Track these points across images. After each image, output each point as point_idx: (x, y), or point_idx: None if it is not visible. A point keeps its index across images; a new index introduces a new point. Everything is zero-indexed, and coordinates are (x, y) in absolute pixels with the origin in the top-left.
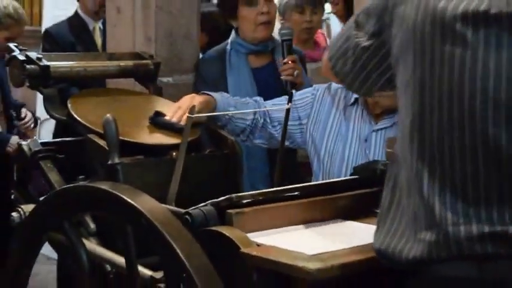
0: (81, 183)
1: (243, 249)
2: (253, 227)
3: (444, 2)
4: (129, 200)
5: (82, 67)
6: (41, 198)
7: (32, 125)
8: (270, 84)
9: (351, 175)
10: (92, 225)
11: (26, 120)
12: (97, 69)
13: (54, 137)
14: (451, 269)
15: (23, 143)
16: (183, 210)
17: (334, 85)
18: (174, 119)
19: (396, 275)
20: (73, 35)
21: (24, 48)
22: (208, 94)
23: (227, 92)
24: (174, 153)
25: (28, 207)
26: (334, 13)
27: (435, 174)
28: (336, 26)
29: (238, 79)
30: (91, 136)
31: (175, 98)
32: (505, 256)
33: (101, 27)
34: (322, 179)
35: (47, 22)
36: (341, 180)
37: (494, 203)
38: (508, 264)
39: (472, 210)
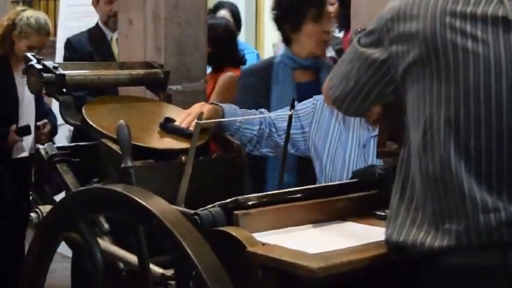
0: (95, 185)
1: (249, 249)
2: (259, 227)
3: (461, 7)
4: (142, 202)
5: (96, 75)
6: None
7: (46, 137)
8: None
9: (350, 179)
10: (106, 225)
11: (44, 131)
12: (110, 77)
13: (72, 142)
14: (476, 258)
15: (40, 147)
16: (192, 211)
17: None
18: (184, 125)
19: (395, 272)
20: (92, 45)
21: (41, 57)
22: (217, 104)
23: (269, 103)
24: (184, 157)
25: (46, 208)
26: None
27: (469, 166)
28: None
29: (282, 92)
30: (104, 141)
31: (183, 105)
32: None
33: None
34: (325, 177)
35: (61, 33)
36: (341, 183)
37: None
38: None
39: (501, 199)
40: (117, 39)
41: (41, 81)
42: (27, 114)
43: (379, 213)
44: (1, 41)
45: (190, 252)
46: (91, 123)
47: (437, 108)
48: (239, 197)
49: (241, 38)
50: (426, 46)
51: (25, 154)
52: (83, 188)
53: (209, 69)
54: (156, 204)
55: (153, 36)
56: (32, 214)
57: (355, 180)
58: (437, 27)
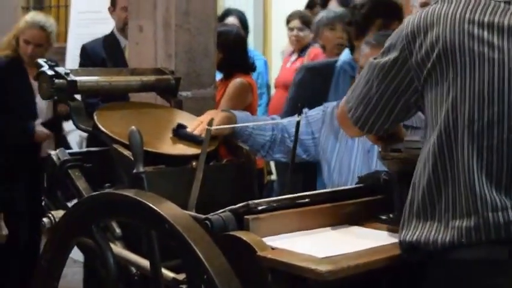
0: (107, 190)
1: (259, 253)
2: (269, 232)
3: (479, 16)
4: (154, 207)
5: (107, 82)
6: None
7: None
8: None
9: (356, 184)
10: (118, 230)
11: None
12: (121, 83)
13: (87, 147)
14: (485, 253)
15: (52, 152)
16: (203, 216)
17: None
18: (196, 132)
19: (403, 276)
20: (105, 52)
21: (53, 63)
22: (229, 111)
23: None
24: (194, 163)
25: (58, 213)
26: None
27: (481, 166)
28: None
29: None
30: (116, 146)
31: (194, 111)
32: None
33: None
34: (332, 183)
35: (71, 40)
36: (347, 189)
37: None
38: None
39: (510, 198)
40: None
41: (52, 88)
42: (43, 113)
43: (383, 217)
44: (13, 44)
45: (201, 257)
46: (102, 129)
47: (453, 110)
48: (249, 202)
49: (249, 44)
50: (445, 51)
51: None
52: (96, 193)
53: (219, 76)
54: (168, 209)
55: (163, 43)
56: (45, 219)
57: (361, 185)
58: (456, 34)
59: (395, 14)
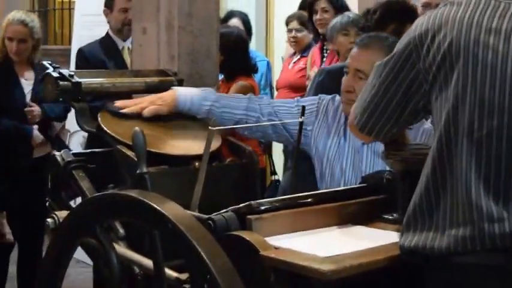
0: (111, 191)
1: (262, 252)
2: (271, 232)
3: (487, 20)
4: (157, 207)
5: (111, 83)
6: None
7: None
8: None
9: (359, 183)
10: (121, 230)
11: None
12: (125, 85)
13: (86, 148)
14: (480, 259)
15: (56, 153)
16: (206, 216)
17: (338, 97)
18: (125, 110)
19: (404, 276)
20: (104, 54)
21: (57, 65)
22: (174, 90)
23: None
24: (197, 163)
25: (62, 214)
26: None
27: (479, 175)
28: None
29: None
30: (119, 147)
31: None
32: None
33: (130, 46)
34: (324, 186)
35: (76, 42)
36: (350, 188)
37: None
38: None
39: (506, 209)
40: (128, 48)
41: (57, 89)
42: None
43: (386, 216)
44: (1, 45)
45: (204, 256)
46: (106, 129)
47: (453, 117)
48: (252, 202)
49: (252, 46)
50: (449, 56)
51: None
52: (99, 193)
53: (220, 78)
54: (171, 209)
55: (166, 45)
56: (49, 219)
57: (364, 185)
58: (462, 39)
59: (409, 18)
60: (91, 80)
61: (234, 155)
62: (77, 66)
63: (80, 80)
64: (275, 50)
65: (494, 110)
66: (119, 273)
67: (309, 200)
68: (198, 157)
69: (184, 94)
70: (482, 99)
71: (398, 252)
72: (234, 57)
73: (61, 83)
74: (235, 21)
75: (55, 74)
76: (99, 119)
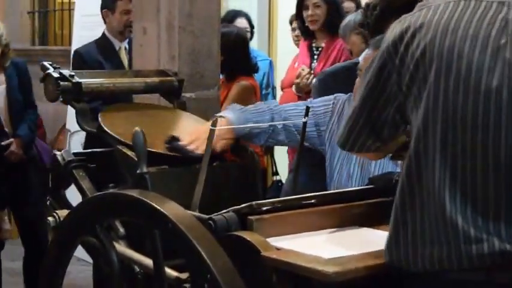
0: (111, 190)
1: (263, 253)
2: (273, 233)
3: (464, 25)
4: (157, 207)
5: (111, 83)
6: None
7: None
8: None
9: (367, 185)
10: (121, 229)
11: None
12: (125, 85)
13: (84, 148)
14: (461, 275)
15: (57, 153)
16: (206, 216)
17: None
18: (190, 147)
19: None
20: (101, 55)
21: (57, 66)
22: (225, 117)
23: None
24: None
25: (63, 213)
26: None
27: (455, 189)
28: None
29: None
30: (120, 147)
31: (198, 112)
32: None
33: (127, 47)
34: (334, 185)
35: (76, 43)
36: (357, 190)
37: (502, 221)
38: None
39: (485, 228)
40: (125, 48)
41: (58, 90)
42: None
43: None
44: None
45: (205, 256)
46: (107, 130)
47: (424, 131)
48: (253, 203)
49: (254, 46)
50: (422, 65)
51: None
52: (100, 193)
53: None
54: (171, 209)
55: (167, 45)
56: (50, 218)
57: (371, 186)
58: (436, 47)
59: (409, 11)
60: (91, 80)
61: (235, 155)
62: (74, 68)
63: (80, 80)
64: (278, 49)
65: (467, 124)
66: (119, 272)
67: (312, 201)
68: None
69: (234, 116)
70: (454, 112)
71: None
72: (234, 57)
73: (61, 83)
74: (241, 21)
75: (55, 75)
76: (99, 119)
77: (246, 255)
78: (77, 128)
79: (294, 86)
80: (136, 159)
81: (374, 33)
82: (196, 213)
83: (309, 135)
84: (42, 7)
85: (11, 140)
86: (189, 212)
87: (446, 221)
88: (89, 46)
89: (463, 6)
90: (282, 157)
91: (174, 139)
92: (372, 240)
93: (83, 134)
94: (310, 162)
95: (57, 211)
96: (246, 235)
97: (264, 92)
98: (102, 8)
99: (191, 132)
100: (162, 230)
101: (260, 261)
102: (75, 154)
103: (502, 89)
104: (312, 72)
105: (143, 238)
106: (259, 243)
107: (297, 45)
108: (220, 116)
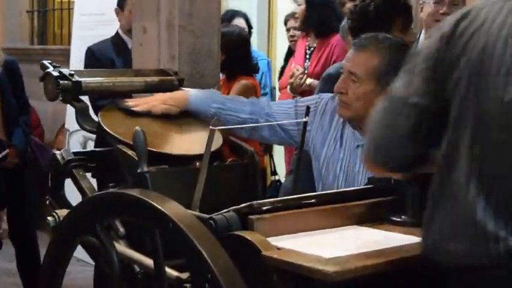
0: (111, 190)
1: (264, 252)
2: (273, 232)
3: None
4: (158, 206)
5: (111, 82)
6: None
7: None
8: None
9: (365, 184)
10: (121, 229)
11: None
12: (125, 84)
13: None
14: (479, 272)
15: (57, 152)
16: (207, 216)
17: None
18: (136, 109)
19: (411, 278)
20: (114, 53)
21: (57, 65)
22: (185, 89)
23: None
24: (198, 163)
25: (62, 212)
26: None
27: (483, 191)
28: None
29: None
30: (120, 146)
31: None
32: None
33: None
34: (321, 186)
35: (75, 42)
36: (356, 189)
37: None
38: None
39: (505, 228)
40: None
41: (58, 88)
42: None
43: (394, 219)
44: None
45: (206, 256)
46: (107, 129)
47: (454, 129)
48: (254, 202)
49: (254, 46)
50: (465, 64)
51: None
52: (100, 192)
53: (221, 77)
54: (172, 209)
55: (167, 44)
56: (49, 218)
57: (370, 186)
58: (479, 48)
59: (402, 14)
60: (91, 79)
61: (235, 155)
62: (86, 65)
63: (80, 79)
64: (277, 49)
65: (493, 122)
66: (119, 272)
67: (313, 200)
68: (199, 157)
69: (195, 95)
70: (484, 110)
71: (406, 255)
72: (235, 57)
73: (61, 82)
74: (240, 21)
75: (55, 73)
76: (99, 118)
77: (246, 255)
78: (76, 127)
79: (288, 87)
80: (136, 158)
81: (355, 34)
82: (197, 213)
83: (292, 135)
84: (41, 6)
85: (6, 151)
86: (189, 211)
87: (471, 217)
88: (102, 43)
89: (500, 7)
90: (281, 157)
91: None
92: (372, 239)
93: (82, 133)
94: (310, 163)
95: (56, 211)
96: (247, 235)
97: (262, 92)
98: (116, 5)
99: (144, 97)
100: (162, 230)
101: (261, 261)
102: (74, 153)
103: None
104: (306, 72)
105: (143, 238)
106: (260, 243)
107: (292, 45)
108: (183, 90)
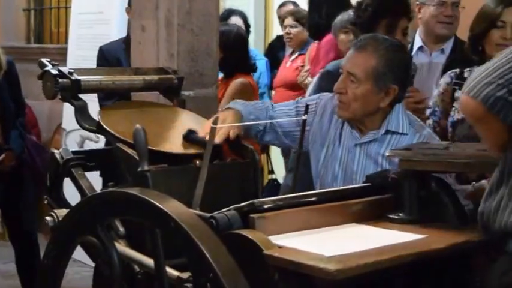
0: (111, 189)
1: (266, 251)
2: (274, 231)
3: None
4: (159, 205)
5: (110, 81)
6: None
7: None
8: None
9: (363, 182)
10: (121, 229)
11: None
12: (124, 83)
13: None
14: None
15: (56, 151)
16: (208, 215)
17: None
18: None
19: (411, 275)
20: (122, 52)
21: (55, 63)
22: (233, 108)
23: None
24: (198, 162)
25: (61, 212)
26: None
27: None
28: None
29: None
30: (120, 145)
31: (196, 111)
32: None
33: None
34: (320, 185)
35: (72, 41)
36: (355, 187)
37: None
38: None
39: None
40: None
41: (56, 87)
42: None
43: (392, 216)
44: None
45: (208, 255)
46: (107, 128)
47: None
48: (255, 201)
49: (251, 45)
50: None
51: None
52: (101, 191)
53: (220, 75)
54: (174, 208)
55: (166, 43)
56: (47, 218)
57: (369, 184)
58: None
59: (403, 12)
60: (90, 78)
61: (235, 153)
62: (97, 65)
63: (79, 77)
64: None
65: None
66: (120, 272)
67: (313, 198)
68: (199, 155)
69: (241, 108)
70: None
71: (405, 253)
72: (234, 55)
73: (60, 80)
74: (236, 19)
75: (54, 72)
76: (98, 117)
77: (248, 254)
78: (73, 127)
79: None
80: (136, 157)
81: (365, 32)
82: (198, 212)
83: (294, 137)
84: (38, 5)
85: (3, 156)
86: (191, 210)
87: None
88: (113, 43)
89: None
90: (278, 156)
91: (191, 132)
92: (372, 237)
93: (79, 133)
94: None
95: (55, 210)
96: (248, 233)
97: (260, 91)
98: (127, 4)
99: (206, 125)
100: (164, 229)
101: (262, 260)
102: (73, 152)
103: None
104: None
105: (142, 237)
106: (261, 242)
107: (288, 43)
108: (228, 108)
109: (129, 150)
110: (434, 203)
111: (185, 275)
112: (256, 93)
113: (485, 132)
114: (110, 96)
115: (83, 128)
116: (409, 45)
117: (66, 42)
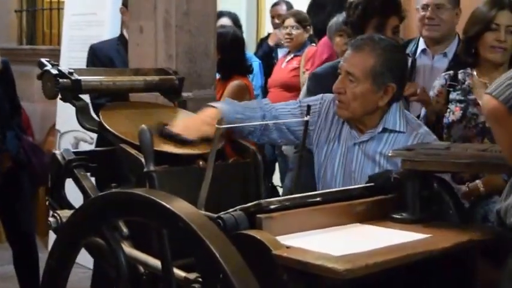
0: (115, 190)
1: (274, 251)
2: (281, 231)
3: None
4: (167, 205)
5: (111, 81)
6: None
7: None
8: None
9: (366, 183)
10: (125, 230)
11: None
12: (125, 83)
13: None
14: None
15: (57, 152)
16: (215, 215)
17: None
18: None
19: (417, 274)
20: (114, 52)
21: (55, 63)
22: (213, 107)
23: None
24: (201, 162)
25: (64, 213)
26: None
27: None
28: None
29: None
30: (123, 146)
31: (194, 112)
32: None
33: None
34: (321, 184)
35: (65, 42)
36: (359, 187)
37: None
38: None
39: None
40: None
41: (57, 87)
42: None
43: (396, 216)
44: None
45: (217, 255)
46: (109, 128)
47: None
48: (261, 201)
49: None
50: None
51: None
52: (106, 192)
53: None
54: (182, 208)
55: (164, 44)
56: (51, 219)
57: (372, 184)
58: None
59: (392, 10)
60: (91, 78)
61: (237, 154)
62: (87, 62)
63: (79, 77)
64: None
65: None
66: (127, 273)
67: (319, 199)
68: (201, 156)
69: (225, 107)
70: None
71: (413, 252)
72: (230, 57)
73: (60, 80)
74: (225, 20)
75: (54, 71)
76: (100, 117)
77: (255, 254)
78: (67, 128)
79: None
80: (139, 157)
81: (356, 31)
82: (205, 212)
83: (298, 135)
84: (30, 6)
85: None
86: (199, 211)
87: None
88: (105, 42)
89: None
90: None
91: (164, 125)
92: (378, 237)
93: (74, 134)
94: (311, 161)
95: (57, 211)
96: (256, 234)
97: (254, 93)
98: (121, 4)
99: (182, 121)
100: (172, 229)
101: (271, 260)
102: (75, 153)
103: None
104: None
105: (145, 238)
106: (269, 242)
107: (287, 44)
108: (211, 106)
109: (132, 151)
110: (436, 202)
111: (192, 276)
112: (251, 95)
113: (502, 134)
114: (102, 95)
115: (85, 128)
116: (414, 48)
117: (58, 43)
